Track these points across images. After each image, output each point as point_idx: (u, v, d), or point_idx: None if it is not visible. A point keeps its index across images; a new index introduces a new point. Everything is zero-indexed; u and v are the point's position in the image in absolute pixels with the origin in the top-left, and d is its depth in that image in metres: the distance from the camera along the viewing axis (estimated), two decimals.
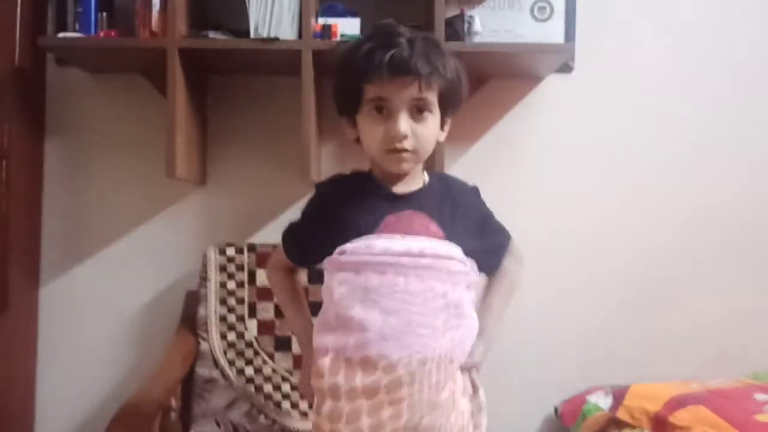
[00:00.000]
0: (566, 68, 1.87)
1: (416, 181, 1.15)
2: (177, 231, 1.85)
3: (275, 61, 1.70)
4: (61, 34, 1.66)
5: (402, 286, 1.04)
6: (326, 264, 1.11)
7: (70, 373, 1.83)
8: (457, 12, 1.70)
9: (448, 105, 1.12)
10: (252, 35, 1.61)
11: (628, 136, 1.90)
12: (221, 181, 1.86)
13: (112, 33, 1.67)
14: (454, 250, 1.09)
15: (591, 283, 1.88)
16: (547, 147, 1.89)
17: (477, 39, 1.70)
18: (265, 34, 1.61)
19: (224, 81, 1.85)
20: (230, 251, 1.72)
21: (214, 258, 1.71)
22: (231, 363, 1.66)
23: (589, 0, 1.86)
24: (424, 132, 1.08)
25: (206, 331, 1.67)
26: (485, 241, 1.16)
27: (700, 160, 1.90)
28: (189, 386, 1.65)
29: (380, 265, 1.05)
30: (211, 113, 1.85)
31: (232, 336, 1.68)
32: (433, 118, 1.09)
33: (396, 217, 1.10)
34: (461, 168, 1.86)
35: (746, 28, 1.91)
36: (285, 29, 1.62)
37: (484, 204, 1.21)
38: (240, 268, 1.71)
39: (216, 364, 1.66)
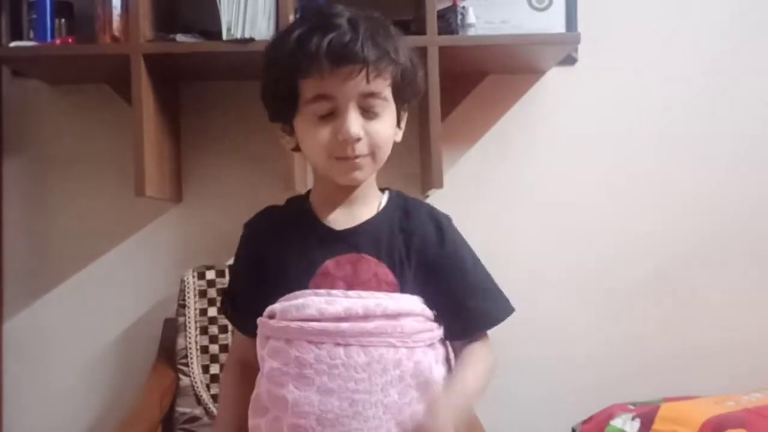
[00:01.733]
0: (569, 60, 1.73)
1: (368, 205, 0.96)
2: (151, 254, 1.70)
3: (252, 64, 1.50)
4: (13, 43, 1.52)
5: (342, 358, 0.84)
6: (258, 326, 0.93)
7: (37, 415, 1.69)
8: (449, 3, 1.56)
9: (403, 97, 0.93)
10: (224, 37, 1.47)
11: (638, 132, 1.76)
12: (198, 197, 1.72)
13: (70, 40, 1.52)
14: (410, 303, 0.89)
15: (608, 289, 1.75)
16: (550, 146, 1.76)
17: (471, 32, 1.57)
18: (238, 35, 1.47)
19: (197, 88, 1.71)
20: (210, 274, 1.57)
21: (192, 282, 1.56)
22: (215, 399, 1.51)
23: None
24: (379, 131, 0.89)
25: (186, 364, 1.52)
26: (455, 299, 0.92)
27: (718, 154, 1.77)
28: (169, 426, 1.50)
29: (315, 333, 0.85)
30: (184, 124, 1.71)
31: (215, 368, 1.53)
32: (388, 114, 0.91)
33: (335, 262, 0.90)
34: (459, 171, 1.72)
35: (756, 18, 1.78)
36: (260, 29, 1.48)
37: (459, 243, 0.96)
38: (221, 293, 1.56)
39: (198, 400, 1.51)
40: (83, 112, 1.71)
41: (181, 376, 1.52)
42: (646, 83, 1.76)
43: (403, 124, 0.98)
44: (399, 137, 0.97)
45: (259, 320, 0.92)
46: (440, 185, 1.47)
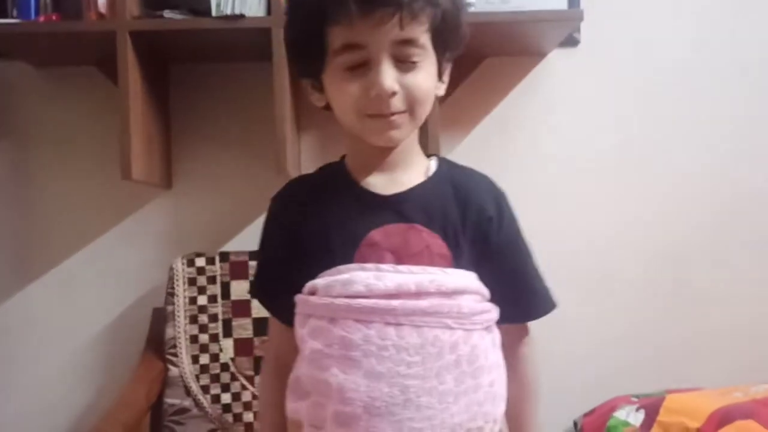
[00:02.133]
0: (572, 41, 1.67)
1: (413, 169, 0.86)
2: (140, 241, 1.65)
3: (243, 44, 1.50)
4: None
5: (394, 339, 0.75)
6: (296, 305, 0.83)
7: (23, 405, 1.64)
8: None
9: (445, 44, 0.83)
10: (214, 13, 1.42)
11: (640, 117, 1.71)
12: (188, 182, 1.66)
13: (54, 17, 1.46)
14: (466, 278, 0.81)
15: (611, 278, 1.69)
16: (551, 131, 1.70)
17: (470, 10, 1.51)
18: (228, 11, 1.42)
19: (187, 70, 1.65)
20: (200, 262, 1.52)
21: (181, 270, 1.51)
22: (205, 390, 1.46)
23: None
24: (416, 83, 0.79)
25: (175, 354, 1.47)
26: (507, 279, 0.85)
27: (722, 137, 1.71)
28: (157, 418, 1.45)
29: (363, 311, 0.76)
30: (174, 107, 1.66)
31: (205, 358, 1.47)
32: (427, 64, 0.81)
33: (383, 232, 0.81)
34: (456, 157, 1.65)
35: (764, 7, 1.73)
36: (251, 5, 1.43)
37: (514, 219, 0.89)
38: (212, 280, 1.51)
39: (188, 391, 1.45)
40: (70, 95, 1.65)
41: (169, 366, 1.47)
42: (650, 66, 1.70)
43: (446, 77, 0.87)
44: (441, 91, 0.87)
45: (298, 297, 0.82)
46: None
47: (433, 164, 0.89)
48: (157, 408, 1.45)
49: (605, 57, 1.70)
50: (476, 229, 0.84)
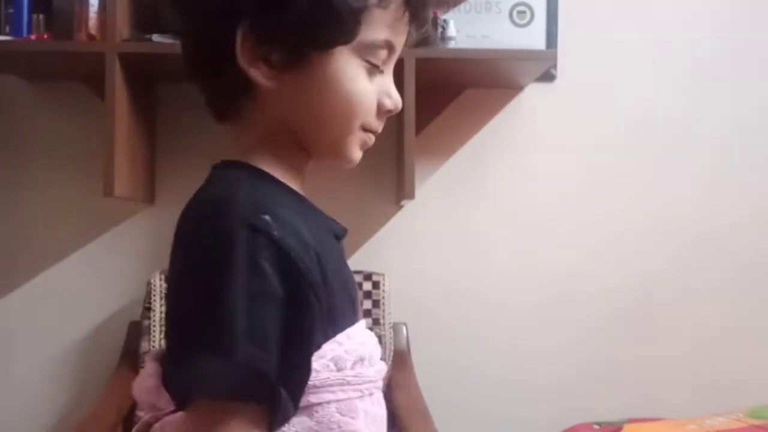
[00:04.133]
0: (548, 76, 1.73)
1: None
2: (120, 255, 1.68)
3: None
4: None
5: (380, 411, 0.65)
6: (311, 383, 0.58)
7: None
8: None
9: None
10: None
11: (616, 148, 1.76)
12: (171, 199, 1.70)
13: (45, 36, 1.50)
14: None
15: (573, 309, 1.74)
16: (526, 162, 1.75)
17: (452, 45, 1.57)
18: None
19: (174, 89, 1.69)
20: None
21: (159, 285, 1.54)
22: None
23: (571, 3, 1.72)
24: None
25: None
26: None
27: (692, 171, 1.77)
28: (128, 431, 1.47)
29: (379, 379, 0.65)
30: (159, 125, 1.70)
31: None
32: None
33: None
34: (434, 184, 1.72)
35: (733, 31, 1.79)
36: None
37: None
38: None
39: None
40: (58, 108, 1.69)
41: None
42: (625, 102, 1.76)
43: None
44: None
45: (323, 370, 0.58)
46: (412, 196, 1.47)
47: None
48: (128, 421, 1.47)
49: (580, 92, 1.75)
50: None
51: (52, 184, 1.68)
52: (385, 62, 0.65)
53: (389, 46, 0.64)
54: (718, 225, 1.77)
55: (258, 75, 0.62)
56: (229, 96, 0.66)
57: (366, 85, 0.63)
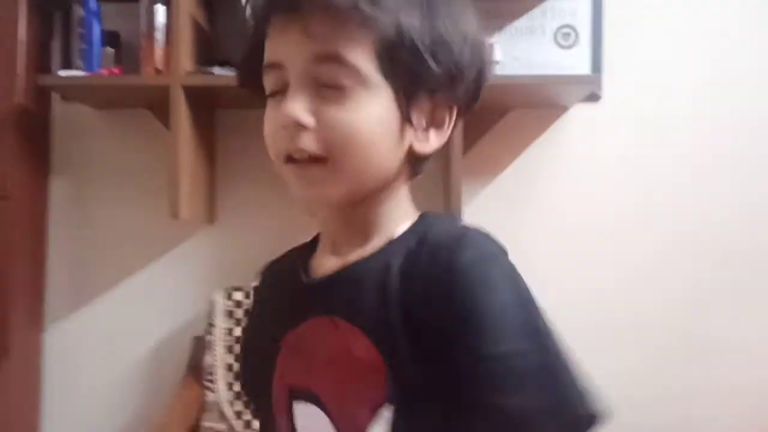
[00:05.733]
0: (593, 97, 1.75)
1: (378, 239, 0.62)
2: (185, 273, 1.77)
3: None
4: (63, 72, 1.63)
5: None
6: None
7: (73, 420, 1.75)
8: None
9: (408, 73, 0.58)
10: None
11: (661, 170, 1.77)
12: (231, 219, 1.79)
13: (116, 70, 1.61)
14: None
15: (626, 329, 1.74)
16: (572, 182, 1.77)
17: (497, 69, 1.61)
18: None
19: (233, 115, 1.78)
20: (237, 295, 1.64)
21: (221, 303, 1.63)
22: (238, 415, 1.57)
23: (616, 23, 1.75)
24: (337, 119, 0.57)
25: (212, 380, 1.59)
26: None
27: (744, 190, 1.77)
28: None
29: None
30: (219, 149, 1.79)
31: (238, 386, 1.59)
32: (363, 96, 0.57)
33: (291, 340, 0.62)
34: (479, 206, 1.76)
35: None
36: None
37: (481, 295, 0.56)
38: (248, 313, 1.62)
39: (223, 416, 1.57)
40: (126, 135, 1.79)
41: (207, 392, 1.59)
42: (671, 121, 1.77)
43: (427, 122, 0.61)
44: (425, 146, 0.61)
45: None
46: (459, 216, 1.52)
47: (404, 226, 0.62)
48: (195, 430, 1.57)
49: (625, 112, 1.77)
50: (414, 314, 0.55)
51: (120, 206, 1.78)
52: (282, 83, 0.60)
53: (273, 67, 0.60)
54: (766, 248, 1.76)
55: None
56: None
57: (266, 118, 0.62)
